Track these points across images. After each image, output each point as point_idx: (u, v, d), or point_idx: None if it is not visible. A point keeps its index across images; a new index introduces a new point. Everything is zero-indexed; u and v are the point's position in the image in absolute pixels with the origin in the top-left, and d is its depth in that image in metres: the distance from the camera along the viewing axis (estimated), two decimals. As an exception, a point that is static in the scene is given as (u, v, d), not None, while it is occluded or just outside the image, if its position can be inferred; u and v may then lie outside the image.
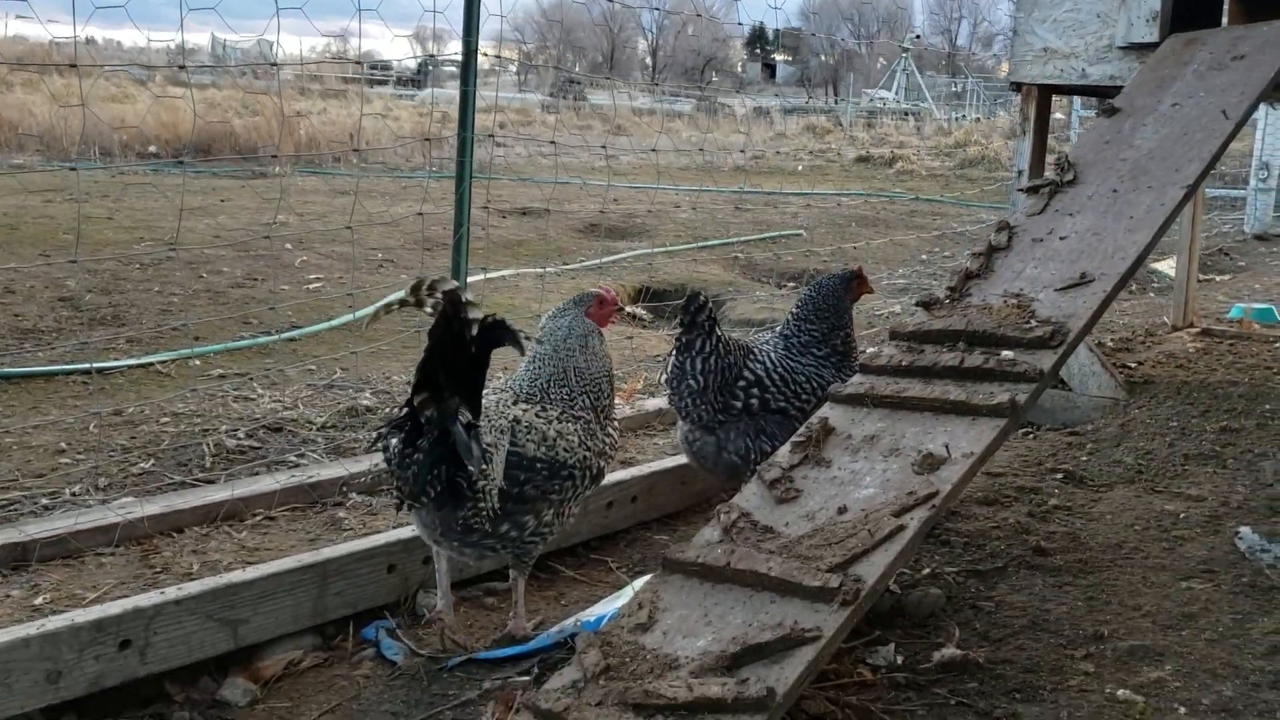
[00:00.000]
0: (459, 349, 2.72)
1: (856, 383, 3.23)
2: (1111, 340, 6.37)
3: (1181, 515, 3.81)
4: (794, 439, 3.08)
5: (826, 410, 3.19)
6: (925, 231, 11.93)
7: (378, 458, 4.21)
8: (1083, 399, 5.16)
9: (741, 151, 21.48)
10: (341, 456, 4.33)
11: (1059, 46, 4.91)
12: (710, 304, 3.72)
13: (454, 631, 3.08)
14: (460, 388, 2.75)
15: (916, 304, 3.52)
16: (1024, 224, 3.74)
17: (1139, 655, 2.91)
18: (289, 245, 8.96)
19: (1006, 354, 3.08)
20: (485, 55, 4.42)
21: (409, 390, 2.78)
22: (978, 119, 35.67)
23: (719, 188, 15.18)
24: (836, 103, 44.90)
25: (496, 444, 2.92)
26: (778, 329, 3.99)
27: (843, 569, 2.56)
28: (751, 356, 3.80)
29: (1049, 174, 3.97)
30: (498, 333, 2.77)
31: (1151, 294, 9.10)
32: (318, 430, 4.64)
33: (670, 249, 10.15)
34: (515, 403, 3.08)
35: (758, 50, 68.17)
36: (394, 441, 2.82)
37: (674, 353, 3.72)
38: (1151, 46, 4.63)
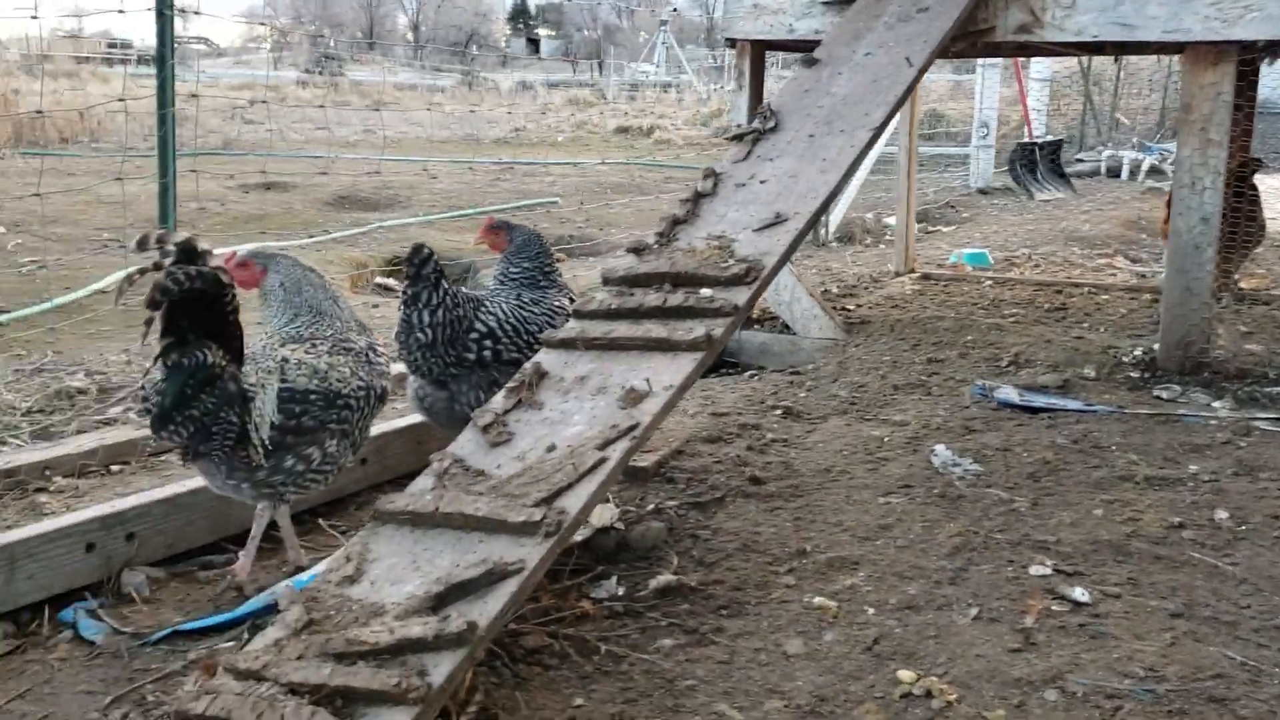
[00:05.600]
0: (199, 297, 2.83)
1: (570, 327, 3.29)
2: (837, 287, 6.73)
3: (886, 439, 4.08)
4: (509, 385, 3.10)
5: (541, 355, 3.23)
6: (676, 195, 12.23)
7: (85, 439, 4.01)
8: (806, 342, 5.43)
9: (515, 130, 21.36)
10: (47, 441, 4.06)
11: (767, 3, 5.12)
12: (435, 255, 3.67)
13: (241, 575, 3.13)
14: (208, 333, 2.89)
15: (627, 249, 3.60)
16: (729, 170, 3.90)
17: (836, 566, 3.10)
18: (2, 228, 8.29)
19: (705, 292, 3.21)
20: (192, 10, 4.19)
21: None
22: (735, 89, 36.74)
23: (479, 159, 15.06)
24: (601, 76, 45.25)
25: (263, 383, 3.00)
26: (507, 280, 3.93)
27: (548, 503, 2.61)
28: (483, 308, 3.78)
29: (754, 123, 4.14)
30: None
31: (884, 246, 9.64)
32: (22, 416, 4.33)
33: (424, 219, 9.99)
34: (283, 345, 3.15)
35: (520, 25, 67.81)
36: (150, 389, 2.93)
37: (401, 306, 3.67)
38: (850, 1, 4.89)
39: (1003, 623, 2.75)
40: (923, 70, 4.15)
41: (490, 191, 11.88)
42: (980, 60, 12.99)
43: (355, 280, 7.76)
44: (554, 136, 20.30)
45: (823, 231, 9.54)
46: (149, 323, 2.80)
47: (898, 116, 7.23)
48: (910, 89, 4.06)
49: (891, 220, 10.28)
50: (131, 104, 5.21)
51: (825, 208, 3.58)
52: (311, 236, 8.91)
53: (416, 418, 3.94)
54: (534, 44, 69.08)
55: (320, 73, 37.26)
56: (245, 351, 3.06)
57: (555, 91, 34.93)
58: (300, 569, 3.20)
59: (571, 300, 3.86)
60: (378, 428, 3.99)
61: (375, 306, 6.83)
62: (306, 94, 28.49)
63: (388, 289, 8.08)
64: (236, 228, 8.98)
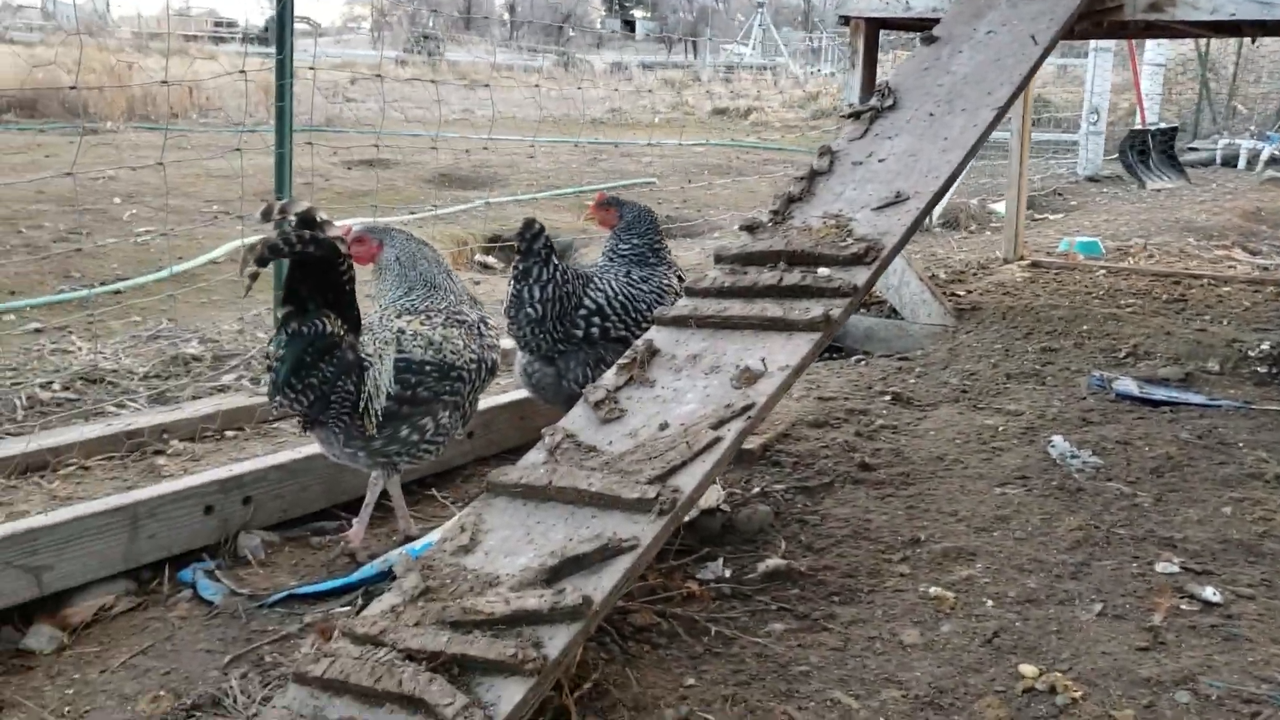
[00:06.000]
0: (318, 264, 2.90)
1: (681, 305, 3.25)
2: (945, 273, 6.58)
3: (1000, 429, 3.98)
4: (620, 361, 3.08)
5: (652, 333, 3.20)
6: (776, 177, 12.09)
7: (202, 404, 4.10)
8: (915, 327, 5.32)
9: (612, 110, 21.27)
10: (164, 405, 4.16)
11: (884, -21, 5.00)
12: (546, 231, 3.65)
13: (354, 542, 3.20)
14: (327, 303, 2.96)
15: (740, 227, 3.54)
16: (845, 148, 3.81)
17: (952, 556, 3.02)
18: (118, 199, 8.54)
19: (823, 271, 3.13)
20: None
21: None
22: (833, 73, 36.20)
23: (574, 138, 15.08)
24: (695, 58, 44.95)
25: (381, 353, 3.05)
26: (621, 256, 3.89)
27: (661, 480, 2.58)
28: (592, 285, 3.75)
29: (872, 100, 4.04)
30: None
31: (989, 232, 9.41)
32: (140, 380, 4.45)
33: (524, 197, 10.04)
34: (398, 316, 3.19)
35: (616, 6, 67.78)
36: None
37: (511, 281, 3.66)
38: (970, -22, 4.74)
39: (1129, 620, 2.65)
40: (1048, 49, 4.01)
41: (588, 171, 11.89)
42: (1092, 43, 12.57)
43: (456, 257, 7.82)
44: (651, 118, 20.23)
45: (927, 217, 9.34)
46: (254, 277, 2.84)
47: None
48: (1035, 68, 3.93)
49: (996, 206, 10.03)
50: (242, 80, 5.29)
51: (947, 188, 3.48)
52: (414, 213, 8.99)
53: (521, 393, 3.94)
54: (629, 25, 68.94)
55: (419, 52, 37.66)
56: (362, 322, 3.08)
57: (649, 73, 34.79)
58: (410, 538, 3.23)
59: (681, 278, 3.82)
60: (484, 402, 4.00)
61: (476, 284, 6.88)
62: (406, 73, 28.81)
63: (487, 266, 8.13)
64: (341, 202, 9.12)
